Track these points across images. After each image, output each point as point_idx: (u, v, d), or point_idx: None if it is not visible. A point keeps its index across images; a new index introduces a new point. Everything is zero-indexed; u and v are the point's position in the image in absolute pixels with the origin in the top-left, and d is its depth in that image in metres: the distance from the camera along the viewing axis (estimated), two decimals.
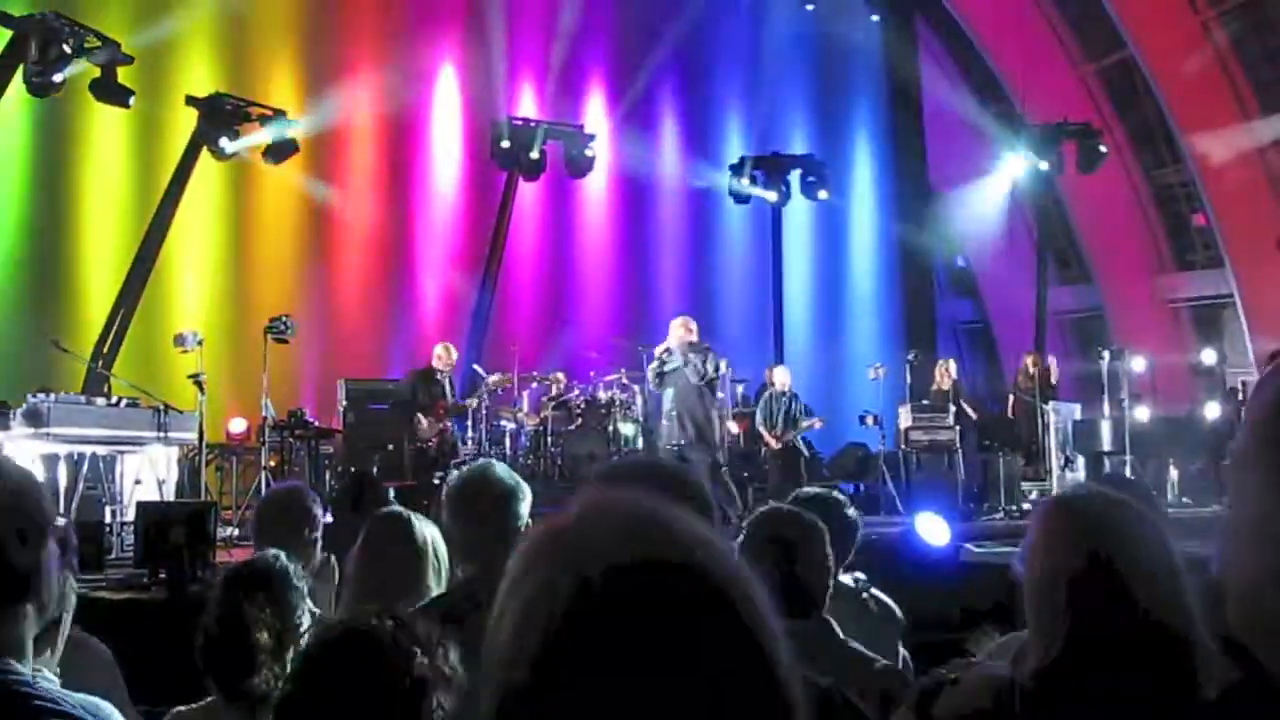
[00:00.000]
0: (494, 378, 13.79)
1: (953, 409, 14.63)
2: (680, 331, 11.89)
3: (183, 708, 3.24)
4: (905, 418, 14.66)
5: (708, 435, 11.73)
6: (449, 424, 12.60)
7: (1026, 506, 14.34)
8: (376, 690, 2.05)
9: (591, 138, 17.95)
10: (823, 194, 19.00)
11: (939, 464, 14.29)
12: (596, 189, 18.87)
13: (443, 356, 12.82)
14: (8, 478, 1.93)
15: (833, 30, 20.47)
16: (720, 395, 12.16)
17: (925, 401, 14.87)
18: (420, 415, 12.33)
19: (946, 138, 21.07)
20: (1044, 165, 18.25)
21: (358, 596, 3.44)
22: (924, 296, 20.62)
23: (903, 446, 14.53)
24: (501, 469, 3.31)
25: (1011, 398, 16.46)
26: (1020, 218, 21.59)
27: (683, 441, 11.53)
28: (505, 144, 17.07)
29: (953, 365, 15.42)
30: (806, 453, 14.28)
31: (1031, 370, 15.80)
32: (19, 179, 14.70)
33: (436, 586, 3.50)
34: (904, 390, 15.31)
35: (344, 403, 12.67)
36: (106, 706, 2.17)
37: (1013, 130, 19.20)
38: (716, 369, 11.94)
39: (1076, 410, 15.90)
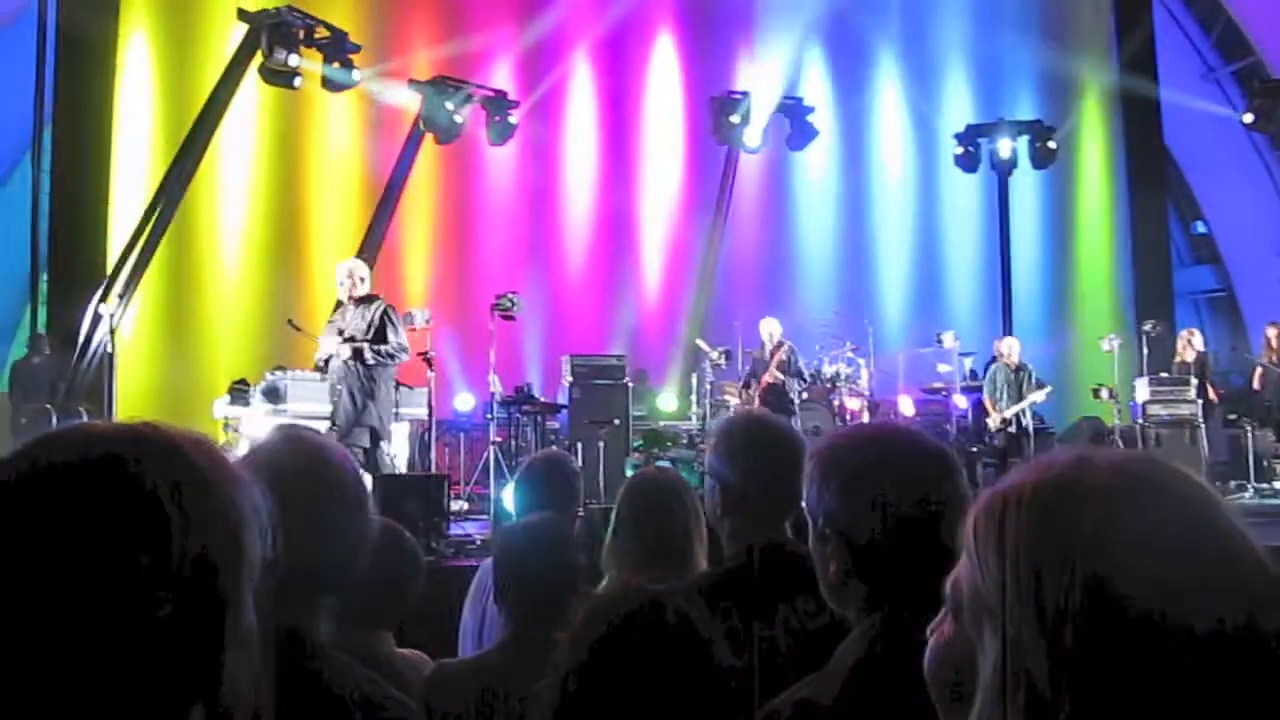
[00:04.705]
0: (716, 353, 13.75)
1: (1195, 382, 13.90)
2: (344, 281, 9.49)
3: (451, 660, 3.25)
4: (1143, 391, 14.01)
5: (371, 417, 9.30)
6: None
7: (1279, 484, 13.64)
8: (682, 675, 1.98)
9: (810, 110, 17.71)
10: (1050, 145, 18.35)
11: (1180, 440, 13.58)
12: (818, 161, 18.57)
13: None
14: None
15: None
16: (387, 371, 9.45)
17: (1165, 374, 14.16)
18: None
19: (1184, 96, 20.05)
20: None
21: (628, 564, 3.33)
22: (1160, 264, 19.67)
23: (1140, 421, 13.88)
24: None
25: (1259, 370, 15.53)
26: (1268, 178, 20.43)
27: (341, 422, 9.21)
28: (734, 119, 17.01)
29: (1198, 336, 14.55)
30: (1034, 426, 13.65)
31: (1276, 343, 14.90)
32: (257, 169, 15.25)
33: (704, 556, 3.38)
34: (1139, 362, 14.64)
35: (569, 379, 12.75)
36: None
37: (1259, 87, 18.15)
38: (401, 339, 9.38)
39: None
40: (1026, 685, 1.01)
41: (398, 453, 11.23)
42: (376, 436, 9.32)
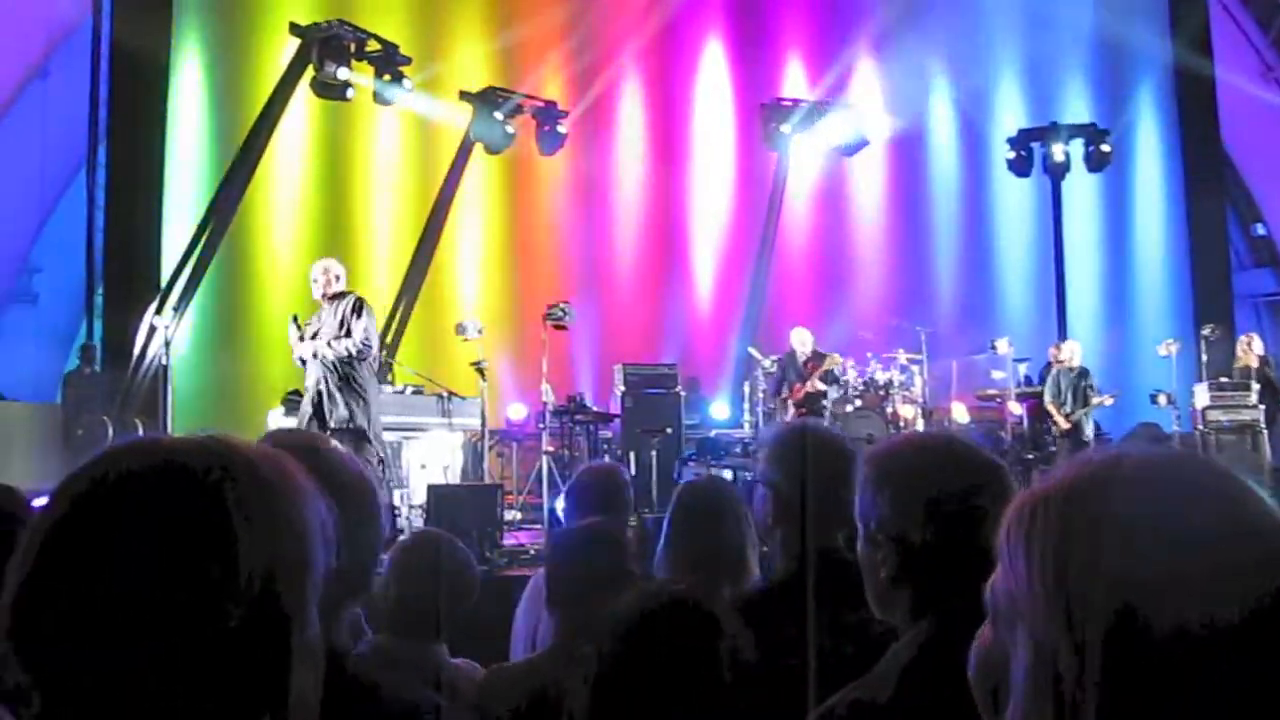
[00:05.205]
0: (768, 360, 13.69)
1: (1256, 387, 13.69)
2: (319, 279, 8.97)
3: (505, 664, 3.24)
4: (1202, 396, 13.82)
5: (358, 417, 8.73)
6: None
7: None
8: (701, 669, 1.98)
9: (862, 116, 17.61)
10: (1104, 148, 18.09)
11: (1242, 445, 13.39)
12: (870, 167, 18.44)
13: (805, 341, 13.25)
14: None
15: None
16: (366, 367, 8.81)
17: (1225, 379, 13.96)
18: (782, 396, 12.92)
19: (1242, 97, 19.77)
20: None
21: (681, 572, 3.31)
22: (1218, 268, 19.38)
23: (1200, 427, 13.69)
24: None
25: None
26: None
27: (318, 424, 8.60)
28: (785, 127, 16.94)
29: (1257, 341, 14.33)
30: (1094, 433, 13.56)
31: None
32: (309, 181, 15.35)
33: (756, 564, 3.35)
34: (1198, 367, 14.43)
35: (621, 388, 12.75)
36: None
37: None
38: (365, 331, 8.72)
39: None
40: (1055, 688, 1.02)
41: (450, 463, 11.25)
42: (365, 438, 8.71)
